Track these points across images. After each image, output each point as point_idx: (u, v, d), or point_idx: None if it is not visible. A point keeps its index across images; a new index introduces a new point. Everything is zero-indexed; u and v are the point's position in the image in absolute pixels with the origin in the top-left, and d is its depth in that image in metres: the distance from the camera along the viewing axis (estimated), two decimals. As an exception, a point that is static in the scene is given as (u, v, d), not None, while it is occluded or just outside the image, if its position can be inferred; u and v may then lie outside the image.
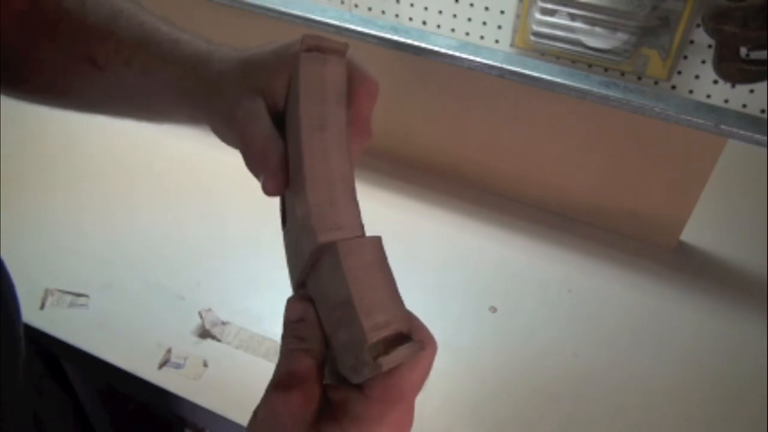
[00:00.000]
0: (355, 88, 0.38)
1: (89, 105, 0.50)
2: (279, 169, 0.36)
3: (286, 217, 0.40)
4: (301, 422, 0.33)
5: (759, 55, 0.70)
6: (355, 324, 0.32)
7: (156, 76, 0.42)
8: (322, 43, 0.37)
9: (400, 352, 0.31)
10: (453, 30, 0.86)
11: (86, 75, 0.45)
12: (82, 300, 0.78)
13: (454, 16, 0.85)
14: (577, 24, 0.77)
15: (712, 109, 0.74)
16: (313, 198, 0.34)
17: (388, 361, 0.31)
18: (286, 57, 0.38)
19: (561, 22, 0.77)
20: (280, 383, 0.34)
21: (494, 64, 0.79)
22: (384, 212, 0.91)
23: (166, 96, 0.43)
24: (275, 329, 0.75)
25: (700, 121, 0.74)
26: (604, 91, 0.76)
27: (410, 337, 0.33)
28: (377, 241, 0.34)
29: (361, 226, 0.35)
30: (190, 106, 0.42)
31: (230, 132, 0.39)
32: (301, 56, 0.36)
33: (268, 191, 0.36)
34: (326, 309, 0.34)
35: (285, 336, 0.35)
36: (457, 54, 0.81)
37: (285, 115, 0.38)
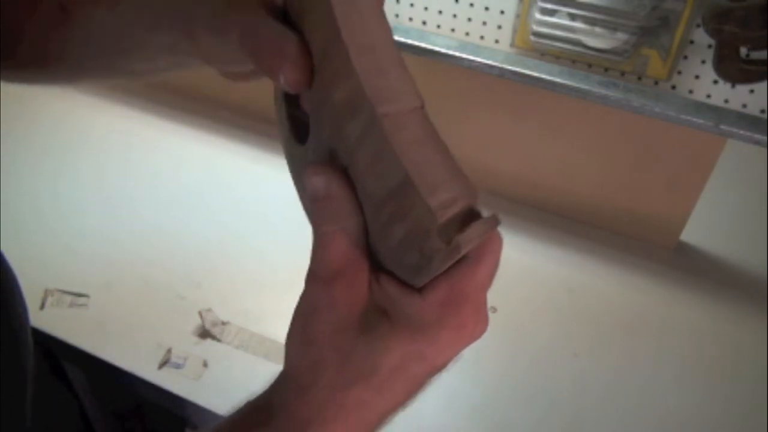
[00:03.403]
0: None
1: (71, 69, 0.45)
2: (300, 55, 0.31)
3: (298, 129, 0.35)
4: (347, 317, 0.30)
5: (759, 55, 0.70)
6: (417, 207, 0.27)
7: (125, 8, 0.38)
8: None
9: (476, 229, 0.28)
10: (453, 30, 0.86)
11: (59, 29, 0.41)
12: (82, 300, 0.78)
13: (454, 16, 0.85)
14: (577, 24, 0.77)
15: (712, 109, 0.74)
16: (360, 65, 0.29)
17: (466, 239, 0.27)
18: None
19: (561, 22, 0.77)
20: (318, 275, 0.30)
21: (494, 64, 0.79)
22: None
23: (141, 28, 0.38)
24: (275, 329, 0.75)
25: (700, 121, 0.74)
26: (604, 91, 0.76)
27: (480, 213, 0.29)
28: (422, 113, 0.30)
29: (419, 95, 0.31)
30: (169, 30, 0.37)
31: (224, 40, 0.33)
32: None
33: (293, 82, 0.31)
34: (372, 207, 0.29)
35: (313, 215, 0.31)
36: (457, 54, 0.80)
37: (290, 5, 0.34)
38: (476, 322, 0.30)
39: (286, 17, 0.34)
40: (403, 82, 0.30)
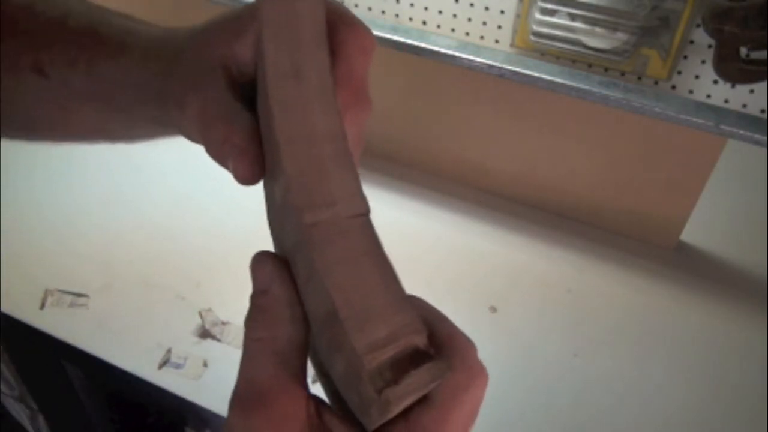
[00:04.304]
0: (343, 37, 0.29)
1: (43, 128, 0.42)
2: (247, 147, 0.27)
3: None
4: None
5: (759, 55, 0.70)
6: (345, 345, 0.23)
7: (103, 74, 0.35)
8: None
9: (416, 378, 0.22)
10: (453, 30, 0.86)
11: (34, 88, 0.37)
12: (82, 300, 0.78)
13: (454, 16, 0.85)
14: (577, 24, 0.77)
15: (712, 109, 0.74)
16: (291, 164, 0.25)
17: (396, 395, 0.22)
18: (249, 13, 0.30)
19: (561, 22, 0.77)
20: (238, 396, 0.25)
21: (494, 64, 0.79)
22: (383, 212, 0.91)
23: (117, 97, 0.35)
24: (275, 329, 0.75)
25: (700, 121, 0.74)
26: (604, 91, 0.76)
27: (430, 354, 0.24)
28: (362, 221, 0.25)
29: (363, 199, 0.26)
30: (144, 102, 0.34)
31: (185, 118, 0.31)
32: None
33: (240, 176, 0.27)
34: (316, 327, 0.25)
35: (247, 314, 0.26)
36: (457, 54, 0.80)
37: (256, 83, 0.30)
38: None
39: (254, 89, 0.30)
40: (345, 181, 0.26)
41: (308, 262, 0.24)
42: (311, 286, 0.24)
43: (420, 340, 0.24)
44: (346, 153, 0.27)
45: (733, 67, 0.70)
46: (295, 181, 0.25)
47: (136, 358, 0.72)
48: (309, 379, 0.26)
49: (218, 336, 0.75)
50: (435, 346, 0.24)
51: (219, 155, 0.29)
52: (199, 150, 0.31)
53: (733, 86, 0.76)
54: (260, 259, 0.27)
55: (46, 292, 0.78)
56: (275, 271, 0.26)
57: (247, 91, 0.30)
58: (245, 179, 0.28)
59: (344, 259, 0.24)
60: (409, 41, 0.82)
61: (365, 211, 0.26)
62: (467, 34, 0.85)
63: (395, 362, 0.23)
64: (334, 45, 0.29)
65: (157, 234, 0.86)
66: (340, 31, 0.29)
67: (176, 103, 0.31)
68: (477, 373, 0.24)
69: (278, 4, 0.28)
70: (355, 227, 0.25)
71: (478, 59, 0.80)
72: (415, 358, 0.23)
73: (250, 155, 0.27)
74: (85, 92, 0.36)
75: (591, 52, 0.77)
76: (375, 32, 0.83)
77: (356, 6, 0.91)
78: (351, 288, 0.24)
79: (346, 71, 0.29)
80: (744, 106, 0.77)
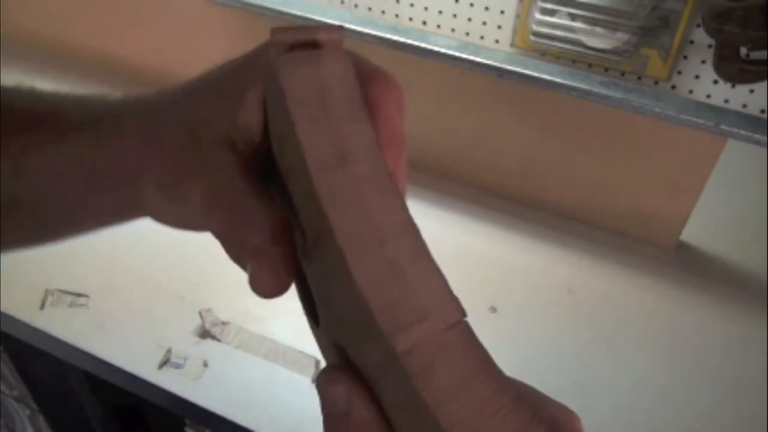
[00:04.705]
0: (377, 95, 0.25)
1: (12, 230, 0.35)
2: (270, 251, 0.23)
3: (312, 307, 0.26)
4: None
5: (759, 55, 0.70)
6: None
7: (34, 174, 0.29)
8: (304, 36, 0.24)
9: None
10: (453, 30, 0.86)
11: None
12: (82, 300, 0.78)
13: (454, 16, 0.85)
14: (577, 24, 0.77)
15: (712, 109, 0.74)
16: (363, 275, 0.21)
17: None
18: (250, 71, 0.26)
19: (561, 22, 0.77)
20: None
21: (494, 64, 0.79)
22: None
23: (76, 184, 0.28)
24: (275, 329, 0.75)
25: (700, 121, 0.74)
26: (604, 91, 0.76)
27: None
28: (461, 330, 0.21)
29: (454, 302, 0.22)
30: (104, 192, 0.28)
31: (183, 207, 0.26)
32: (279, 62, 0.23)
33: (258, 288, 0.23)
34: None
35: None
36: (457, 54, 0.80)
37: (270, 158, 0.26)
38: None
39: (272, 166, 0.26)
40: (431, 284, 0.22)
41: (407, 390, 0.20)
42: (410, 415, 0.20)
43: None
44: (422, 247, 0.23)
45: (733, 67, 0.70)
46: (374, 297, 0.20)
47: (136, 358, 0.72)
48: None
49: (218, 336, 0.75)
50: None
51: (237, 257, 0.24)
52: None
53: (733, 86, 0.76)
54: (333, 377, 0.22)
55: (46, 292, 0.78)
56: (354, 386, 0.21)
57: (253, 165, 0.26)
58: (267, 290, 0.23)
59: (453, 386, 0.20)
60: (409, 41, 0.82)
61: (461, 316, 0.22)
62: (467, 34, 0.85)
63: None
64: (370, 106, 0.25)
65: (157, 234, 0.86)
66: (372, 88, 0.25)
67: (169, 192, 0.26)
68: None
69: (302, 71, 0.23)
70: (456, 342, 0.21)
71: (478, 59, 0.80)
72: None
73: (272, 262, 0.23)
74: (11, 198, 0.29)
75: (591, 52, 0.77)
76: (375, 32, 0.83)
77: (356, 6, 0.91)
78: (470, 422, 0.20)
79: (389, 133, 0.25)
80: (744, 106, 0.77)
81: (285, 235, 0.23)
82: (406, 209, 0.23)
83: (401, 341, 0.20)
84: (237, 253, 0.24)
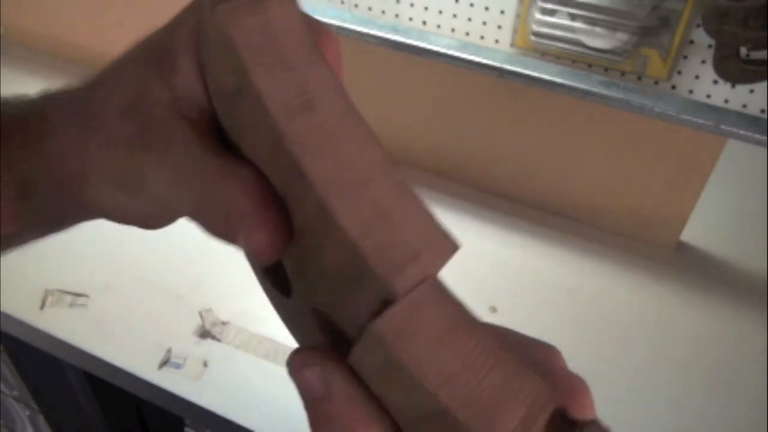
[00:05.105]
0: (317, 43, 0.23)
1: None
2: (262, 210, 0.21)
3: (279, 280, 0.25)
4: None
5: (759, 55, 0.70)
6: None
7: None
8: None
9: None
10: (453, 30, 0.86)
11: None
12: (82, 300, 0.78)
13: (454, 16, 0.85)
14: (577, 24, 0.77)
15: (712, 109, 0.74)
16: (350, 221, 0.19)
17: None
18: (179, 35, 0.24)
19: (561, 22, 0.77)
20: None
21: (494, 64, 0.79)
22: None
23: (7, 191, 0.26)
24: (275, 329, 0.75)
25: (700, 121, 0.74)
26: (604, 91, 0.76)
27: (572, 417, 0.20)
28: (433, 281, 0.20)
29: (447, 237, 0.21)
30: (45, 195, 0.26)
31: (146, 199, 0.24)
32: (222, 14, 0.22)
33: (261, 251, 0.21)
34: (408, 426, 0.20)
35: (313, 426, 0.20)
36: (457, 54, 0.80)
37: (222, 124, 0.24)
38: None
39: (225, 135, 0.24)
40: (419, 221, 0.21)
41: (385, 356, 0.19)
42: (393, 381, 0.19)
43: (553, 401, 0.19)
44: (404, 184, 0.21)
45: (733, 67, 0.70)
46: (364, 240, 0.19)
47: (136, 358, 0.72)
48: None
49: (218, 336, 0.75)
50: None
51: (225, 232, 0.22)
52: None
53: (733, 86, 0.76)
54: (306, 361, 0.20)
55: (46, 292, 0.78)
56: (330, 368, 0.20)
57: (212, 132, 0.24)
58: (269, 253, 0.21)
59: (434, 343, 0.19)
60: (409, 41, 0.82)
61: (454, 250, 0.21)
62: (467, 34, 0.85)
63: None
64: None
65: (157, 234, 0.86)
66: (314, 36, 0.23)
67: (127, 185, 0.23)
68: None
69: (249, 20, 0.22)
70: (430, 296, 0.19)
71: (478, 59, 0.80)
72: (560, 431, 0.19)
73: (270, 223, 0.21)
74: None
75: (591, 52, 0.77)
76: (375, 32, 0.83)
77: (356, 6, 0.91)
78: (457, 380, 0.18)
79: None
80: (744, 106, 0.77)
81: (271, 190, 0.21)
82: (380, 146, 0.21)
83: (400, 284, 0.19)
84: (222, 227, 0.22)
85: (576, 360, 0.82)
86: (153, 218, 0.26)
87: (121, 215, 0.26)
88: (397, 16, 0.88)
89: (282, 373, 0.70)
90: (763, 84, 0.73)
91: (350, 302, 0.20)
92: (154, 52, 0.24)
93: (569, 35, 0.78)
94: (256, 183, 0.21)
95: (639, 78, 0.80)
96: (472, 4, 0.83)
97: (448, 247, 0.21)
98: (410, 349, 0.18)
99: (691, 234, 0.89)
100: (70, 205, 0.26)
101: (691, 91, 0.78)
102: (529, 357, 0.21)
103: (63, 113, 0.25)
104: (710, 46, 0.74)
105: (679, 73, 0.78)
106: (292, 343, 0.25)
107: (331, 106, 0.21)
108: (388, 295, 0.19)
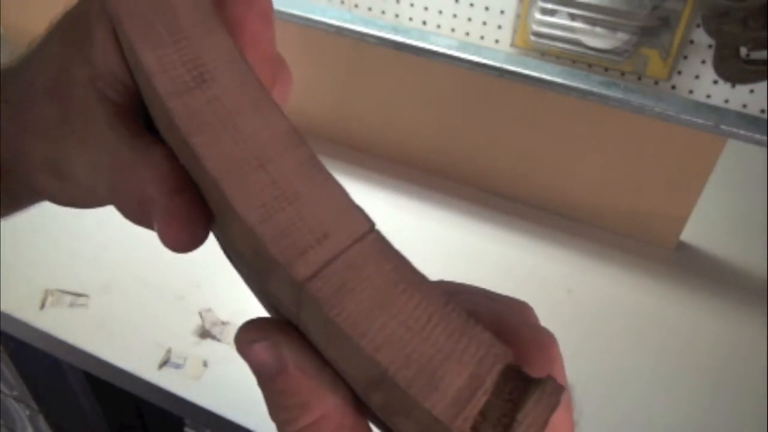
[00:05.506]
0: (234, 10, 0.22)
1: None
2: (172, 201, 0.20)
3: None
4: None
5: (759, 55, 0.70)
6: (419, 412, 0.17)
7: None
8: None
9: (529, 419, 0.17)
10: (453, 30, 0.86)
11: None
12: (82, 300, 0.78)
13: (454, 16, 0.85)
14: (577, 24, 0.77)
15: (712, 109, 0.74)
16: (244, 204, 0.18)
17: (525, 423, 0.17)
18: (92, 8, 0.22)
19: (561, 22, 0.77)
20: None
21: (494, 64, 0.79)
22: (383, 212, 0.91)
23: None
24: (275, 329, 0.75)
25: (700, 121, 0.74)
26: (604, 91, 0.76)
27: (524, 375, 0.18)
28: (372, 239, 0.18)
29: (358, 211, 0.19)
30: None
31: (64, 180, 0.23)
32: None
33: (171, 244, 0.20)
34: (357, 390, 0.19)
35: (270, 407, 0.20)
36: (457, 54, 0.81)
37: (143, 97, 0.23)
38: None
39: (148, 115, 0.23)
40: (327, 197, 0.19)
41: (324, 323, 0.18)
42: (338, 350, 0.18)
43: (504, 356, 0.18)
44: (311, 159, 0.19)
45: (733, 67, 0.71)
46: (264, 226, 0.18)
47: (136, 358, 0.72)
48: None
49: (218, 336, 0.75)
50: (514, 350, 0.19)
51: (140, 220, 0.21)
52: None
53: (733, 86, 0.76)
54: (254, 335, 0.19)
55: (46, 292, 0.78)
56: (282, 339, 0.19)
57: (135, 113, 0.22)
58: (180, 244, 0.20)
59: (371, 305, 0.18)
60: (409, 41, 0.82)
61: (369, 226, 0.19)
62: (467, 34, 0.85)
63: (491, 407, 0.17)
64: (231, 27, 0.21)
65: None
66: (230, 5, 0.21)
67: (58, 170, 0.22)
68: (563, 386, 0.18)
69: None
70: (367, 254, 0.18)
71: (478, 59, 0.80)
72: (512, 389, 0.18)
73: (180, 212, 0.19)
74: None
75: (591, 52, 0.77)
76: (375, 32, 0.83)
77: (356, 6, 0.91)
78: (397, 341, 0.17)
79: (260, 52, 0.22)
80: (744, 106, 0.77)
81: (185, 181, 0.20)
82: (286, 120, 0.20)
83: (301, 270, 0.18)
84: (137, 214, 0.21)
85: (576, 360, 0.82)
86: (87, 202, 0.25)
87: (61, 200, 0.25)
88: (397, 16, 0.88)
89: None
90: (763, 84, 0.74)
91: (272, 288, 0.19)
92: (72, 26, 0.23)
93: (569, 35, 0.78)
94: (167, 168, 0.20)
95: (639, 78, 0.80)
96: (472, 4, 0.83)
97: (359, 226, 0.19)
98: (347, 309, 0.17)
99: (691, 234, 0.89)
100: (19, 188, 0.26)
101: (691, 91, 0.79)
102: (493, 313, 0.20)
103: None
104: (710, 46, 0.74)
105: (679, 73, 0.78)
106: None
107: (228, 79, 0.20)
108: (292, 282, 0.18)
